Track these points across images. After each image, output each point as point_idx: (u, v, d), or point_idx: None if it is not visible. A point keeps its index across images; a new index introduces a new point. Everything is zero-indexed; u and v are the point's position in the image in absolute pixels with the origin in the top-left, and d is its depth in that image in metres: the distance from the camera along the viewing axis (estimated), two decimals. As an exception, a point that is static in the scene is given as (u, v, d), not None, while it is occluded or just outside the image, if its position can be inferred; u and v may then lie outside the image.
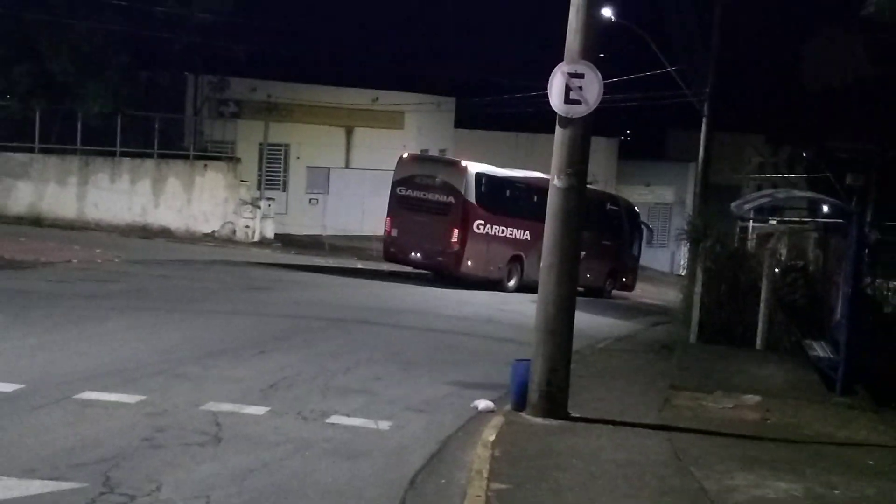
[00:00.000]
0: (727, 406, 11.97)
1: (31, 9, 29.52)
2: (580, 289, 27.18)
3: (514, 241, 25.73)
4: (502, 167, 27.32)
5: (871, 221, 15.42)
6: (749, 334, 16.75)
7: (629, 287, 31.37)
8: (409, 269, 27.44)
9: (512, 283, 26.01)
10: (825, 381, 13.52)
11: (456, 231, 24.95)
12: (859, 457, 9.76)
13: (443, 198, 25.36)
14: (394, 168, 26.53)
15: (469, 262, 25.10)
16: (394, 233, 26.19)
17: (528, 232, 25.12)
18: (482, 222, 25.24)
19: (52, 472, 7.30)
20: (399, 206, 26.17)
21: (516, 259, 25.96)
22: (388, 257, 26.97)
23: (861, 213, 13.34)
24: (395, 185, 26.53)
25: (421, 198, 25.79)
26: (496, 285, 25.58)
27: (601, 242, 28.70)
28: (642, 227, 32.89)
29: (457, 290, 24.68)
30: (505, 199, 25.82)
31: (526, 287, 23.53)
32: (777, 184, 28.48)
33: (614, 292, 30.35)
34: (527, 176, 26.88)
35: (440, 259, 25.32)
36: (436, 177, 25.82)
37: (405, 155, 27.82)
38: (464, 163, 25.86)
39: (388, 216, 26.70)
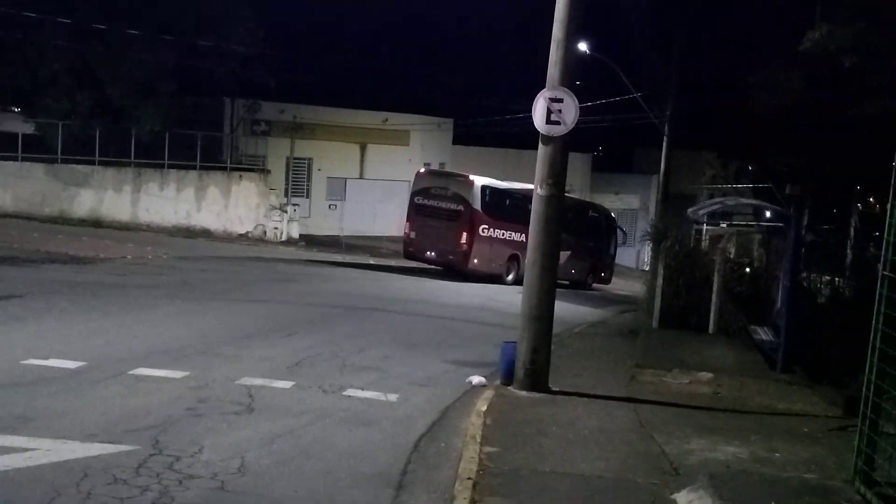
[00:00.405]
0: (684, 381, 11.97)
1: (92, 42, 29.52)
2: (566, 282, 27.50)
3: (512, 243, 25.77)
4: (495, 179, 27.49)
5: (807, 225, 15.40)
6: (703, 321, 16.74)
7: (607, 281, 31.50)
8: (414, 264, 27.50)
9: (510, 277, 26.10)
10: (767, 360, 13.52)
11: (464, 234, 25.25)
12: (796, 425, 9.75)
13: (453, 206, 25.63)
14: (399, 178, 26.47)
15: (475, 260, 25.39)
16: (412, 235, 26.50)
17: (523, 235, 24.61)
18: (486, 227, 25.46)
19: (110, 436, 7.31)
20: (416, 212, 26.46)
21: (514, 258, 26.00)
22: (407, 255, 27.13)
23: (798, 217, 13.28)
24: (413, 195, 26.89)
25: (435, 206, 26.10)
26: (497, 279, 25.69)
27: (585, 243, 28.92)
28: (618, 230, 33.01)
29: (456, 282, 24.69)
30: (505, 207, 25.92)
31: (522, 281, 23.24)
32: (727, 193, 28.45)
33: (594, 285, 30.47)
34: (523, 187, 26.81)
35: (451, 257, 25.58)
36: (448, 189, 26.06)
37: (422, 170, 28.30)
38: (471, 177, 26.09)
39: (407, 221, 27.04)
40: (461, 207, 25.52)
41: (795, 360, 12.87)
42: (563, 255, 27.28)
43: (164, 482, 6.39)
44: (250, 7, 33.42)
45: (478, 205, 25.36)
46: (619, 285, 32.06)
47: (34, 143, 31.03)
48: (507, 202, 26.30)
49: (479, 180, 25.86)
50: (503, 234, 25.82)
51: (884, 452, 6.75)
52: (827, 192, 20.01)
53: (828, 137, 17.83)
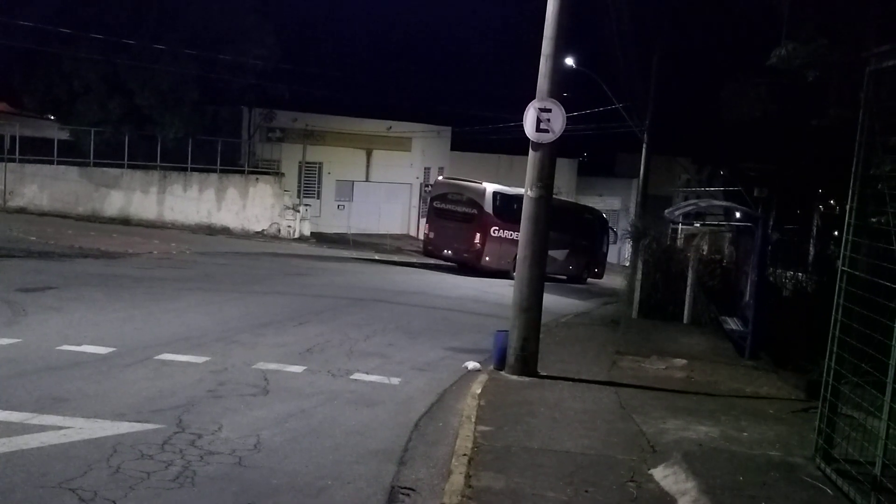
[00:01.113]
0: (660, 367, 11.99)
1: (122, 55, 29.48)
2: (563, 276, 27.84)
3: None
4: (497, 184, 27.88)
5: (773, 225, 15.41)
6: (678, 312, 16.76)
7: (599, 276, 31.70)
8: (415, 258, 27.55)
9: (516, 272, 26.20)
10: (737, 348, 13.54)
11: (478, 235, 25.73)
12: (762, 407, 9.77)
13: (468, 210, 26.13)
14: (402, 181, 26.18)
15: (487, 258, 25.75)
16: (431, 235, 27.08)
17: None
18: (497, 228, 25.80)
19: (138, 415, 7.32)
20: (435, 215, 27.06)
21: None
22: (427, 253, 27.59)
23: (765, 218, 13.31)
24: (432, 199, 27.64)
25: (452, 210, 26.64)
26: (505, 275, 25.69)
27: (581, 242, 29.38)
28: (610, 231, 33.21)
29: (453, 276, 24.70)
30: (513, 211, 25.88)
31: None
32: (700, 195, 28.41)
33: (589, 280, 30.74)
34: None
35: (466, 255, 26.07)
36: (463, 194, 26.53)
37: (441, 178, 29.30)
38: (484, 184, 26.56)
39: (427, 222, 27.78)
40: (475, 211, 26.00)
41: (762, 347, 12.90)
42: (563, 253, 28.17)
43: (186, 458, 6.40)
44: (267, 25, 33.40)
45: (490, 209, 25.74)
46: (604, 279, 32.09)
47: (69, 148, 31.04)
48: (515, 206, 26.25)
49: (491, 187, 26.32)
50: (511, 235, 25.79)
51: (842, 432, 6.77)
52: (791, 195, 19.98)
53: (792, 145, 17.79)
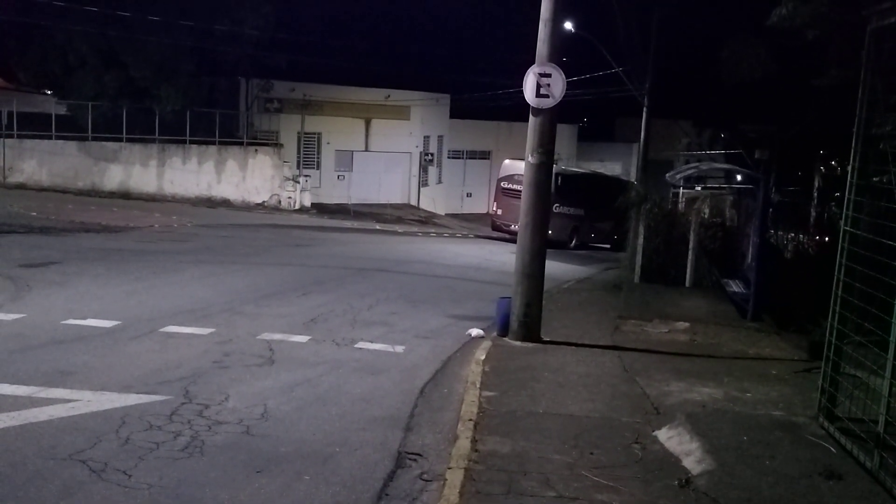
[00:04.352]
0: (663, 330, 12.02)
1: (116, 27, 29.22)
2: (607, 245, 29.37)
3: (575, 217, 28.89)
4: (485, 149, 28.42)
5: (774, 187, 15.37)
6: (680, 275, 16.77)
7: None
8: (416, 228, 27.47)
9: (573, 243, 28.84)
10: (739, 310, 13.56)
11: None
12: (765, 368, 9.80)
13: None
14: (401, 150, 25.71)
15: (550, 231, 26.23)
16: (499, 212, 29.21)
17: (583, 210, 28.97)
18: (557, 205, 27.15)
19: (144, 387, 7.37)
20: (503, 194, 29.16)
21: (575, 229, 29.08)
22: (495, 228, 29.52)
23: (766, 180, 13.26)
24: (499, 180, 29.72)
25: (518, 189, 27.11)
26: (563, 245, 27.46)
27: (623, 214, 29.91)
28: None
29: (455, 244, 24.68)
30: (570, 189, 28.76)
31: (581, 246, 28.90)
32: (701, 158, 28.31)
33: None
34: (585, 172, 31.73)
35: None
36: None
37: (507, 161, 30.40)
38: None
39: (494, 200, 30.34)
40: None
41: (764, 309, 12.91)
42: (609, 224, 29.66)
43: (194, 428, 6.45)
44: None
45: (552, 188, 26.27)
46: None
47: (67, 122, 30.89)
48: (571, 185, 29.21)
49: (554, 169, 26.74)
50: (568, 210, 28.44)
51: (845, 391, 6.81)
52: (792, 157, 19.89)
53: (793, 106, 17.69)
